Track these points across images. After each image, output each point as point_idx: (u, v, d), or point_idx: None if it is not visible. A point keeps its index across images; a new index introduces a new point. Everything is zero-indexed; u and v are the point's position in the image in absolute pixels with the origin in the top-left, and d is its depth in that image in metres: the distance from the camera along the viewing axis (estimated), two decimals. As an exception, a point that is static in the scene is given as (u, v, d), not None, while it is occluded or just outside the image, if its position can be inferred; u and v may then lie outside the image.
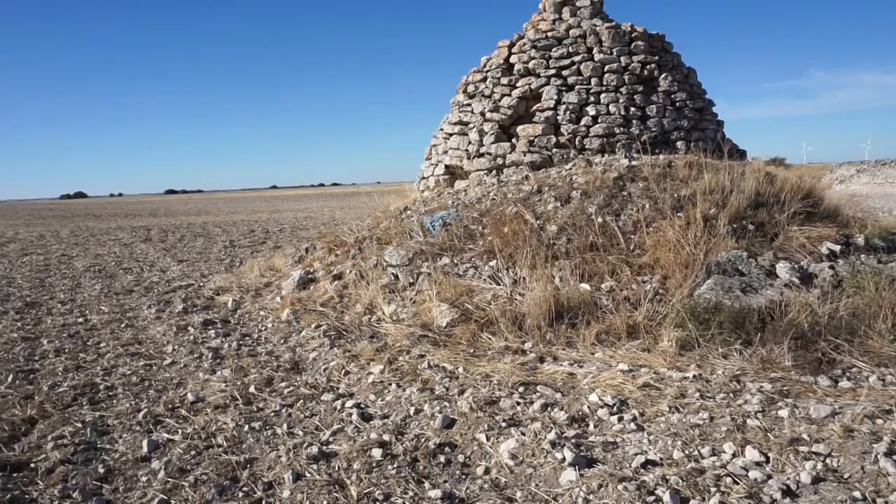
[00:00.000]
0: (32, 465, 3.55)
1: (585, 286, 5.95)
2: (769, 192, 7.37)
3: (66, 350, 6.01)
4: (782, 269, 5.95)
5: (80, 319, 7.37)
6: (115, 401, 4.59)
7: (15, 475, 3.43)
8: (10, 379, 5.11)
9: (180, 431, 3.94)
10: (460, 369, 4.77)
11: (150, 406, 4.41)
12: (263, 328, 6.59)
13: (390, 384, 4.57)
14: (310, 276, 7.82)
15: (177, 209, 48.22)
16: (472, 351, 5.21)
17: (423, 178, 9.73)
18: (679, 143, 8.38)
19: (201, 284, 9.49)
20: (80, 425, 4.10)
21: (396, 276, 6.86)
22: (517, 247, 6.52)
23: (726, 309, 5.15)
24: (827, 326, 4.87)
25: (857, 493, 2.83)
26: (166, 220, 30.31)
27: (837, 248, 6.64)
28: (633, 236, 6.63)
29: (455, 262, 6.80)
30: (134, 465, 3.54)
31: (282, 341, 6.01)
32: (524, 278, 6.01)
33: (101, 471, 3.46)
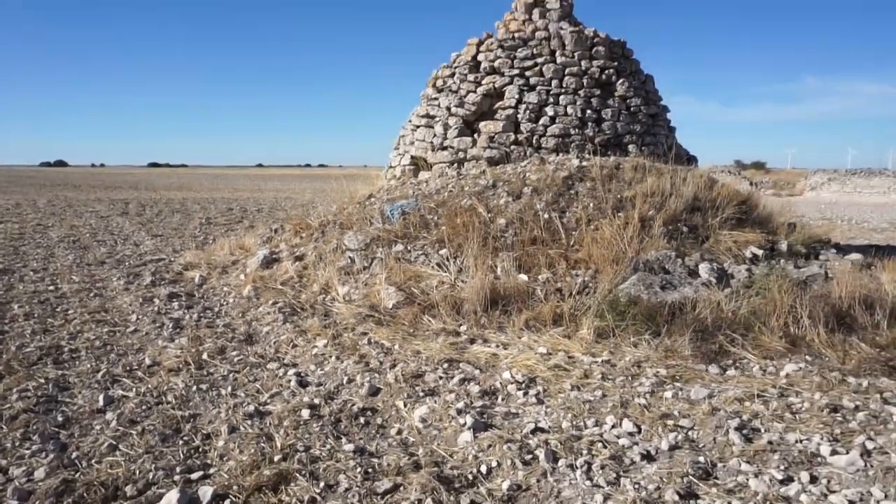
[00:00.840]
0: (-2, 412, 3.97)
1: (524, 276, 6.45)
2: (707, 197, 7.91)
3: (36, 315, 6.39)
4: (703, 269, 6.50)
5: (51, 287, 7.74)
6: (77, 362, 5.01)
7: (-19, 420, 3.85)
8: (-20, 338, 5.50)
9: (134, 389, 4.38)
10: (396, 346, 5.26)
11: (110, 367, 4.85)
12: (225, 303, 7.02)
13: (331, 356, 5.05)
14: (274, 255, 8.24)
15: (158, 183, 48.07)
16: (411, 331, 5.69)
17: (391, 167, 10.15)
18: (631, 147, 8.88)
19: (172, 259, 9.86)
20: (43, 381, 4.52)
21: (353, 260, 7.32)
22: (466, 237, 6.99)
23: (643, 303, 5.68)
24: (729, 322, 5.43)
25: (702, 458, 3.36)
26: (146, 195, 30.38)
27: (761, 252, 7.20)
28: (573, 233, 7.14)
29: (408, 248, 7.26)
30: (90, 416, 3.98)
31: (240, 315, 6.45)
32: (468, 267, 6.49)
33: (60, 419, 3.89)
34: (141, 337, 5.72)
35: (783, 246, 7.49)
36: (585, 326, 5.47)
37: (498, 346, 5.25)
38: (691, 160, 9.76)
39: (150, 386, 4.45)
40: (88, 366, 4.89)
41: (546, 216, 7.37)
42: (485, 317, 5.84)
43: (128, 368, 4.83)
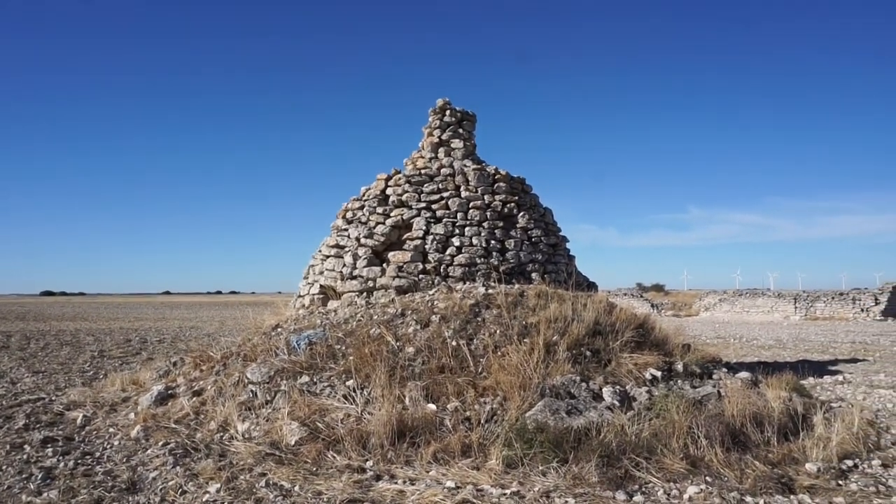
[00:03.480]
0: None
1: (432, 406, 6.36)
2: (607, 321, 8.30)
3: None
4: (607, 392, 6.67)
5: None
6: (-82, 525, 4.33)
7: None
8: None
9: (-16, 557, 3.81)
10: (297, 487, 4.93)
11: (-42, 530, 4.22)
12: (109, 446, 6.40)
13: (223, 503, 4.64)
14: (170, 391, 7.73)
15: (50, 313, 44.83)
16: (314, 469, 5.38)
17: (300, 296, 10.05)
18: (534, 275, 9.31)
19: (53, 399, 9.01)
20: None
21: (255, 394, 6.98)
22: (374, 367, 6.89)
23: (550, 429, 5.71)
24: (633, 445, 5.51)
25: None
26: (34, 325, 28.15)
27: (659, 373, 7.52)
28: (481, 359, 7.20)
29: (314, 380, 7.04)
30: None
31: (124, 460, 5.88)
32: (376, 398, 6.33)
33: None
34: (1, 492, 5.05)
35: (679, 367, 7.87)
36: (494, 457, 5.39)
37: (405, 482, 5.04)
38: (591, 286, 10.31)
39: (4, 551, 3.88)
40: (-69, 530, 4.24)
41: (454, 343, 7.43)
42: (391, 451, 5.63)
43: (-20, 531, 4.22)
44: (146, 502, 4.75)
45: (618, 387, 6.85)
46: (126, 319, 35.25)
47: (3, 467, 5.64)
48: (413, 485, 4.98)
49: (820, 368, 12.98)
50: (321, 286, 9.53)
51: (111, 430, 6.96)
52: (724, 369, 8.43)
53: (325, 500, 4.66)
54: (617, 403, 6.47)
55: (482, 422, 6.08)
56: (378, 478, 5.19)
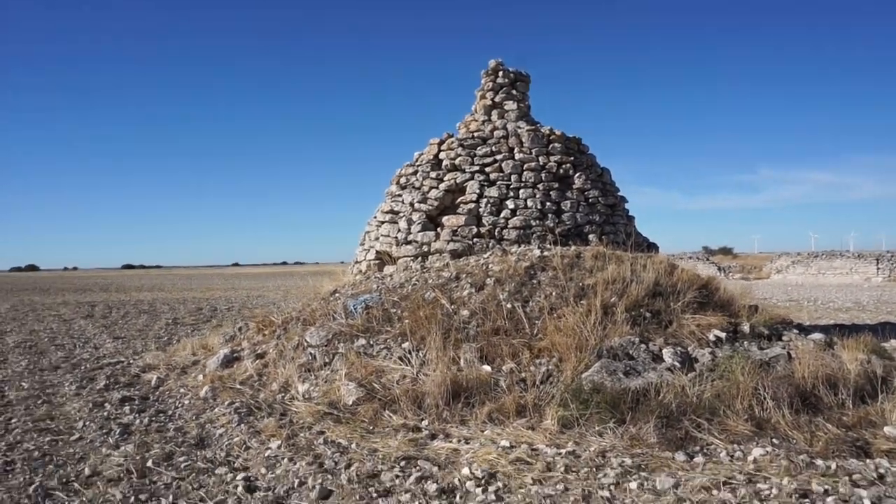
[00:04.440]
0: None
1: (487, 367, 6.35)
2: (668, 282, 8.01)
3: (-26, 425, 6.03)
4: (667, 353, 6.48)
5: (-3, 395, 7.37)
6: (10, 475, 4.68)
7: None
8: None
9: (67, 503, 4.08)
10: (353, 445, 5.04)
11: (44, 480, 4.53)
12: (180, 405, 6.73)
13: (283, 458, 4.81)
14: (235, 354, 8.03)
15: (130, 285, 47.44)
16: (371, 428, 5.49)
17: (357, 262, 10.19)
18: (591, 236, 9.08)
19: (131, 362, 9.54)
20: (-32, 498, 4.20)
21: (314, 356, 7.15)
22: (428, 329, 6.92)
23: (607, 390, 5.59)
24: (693, 406, 5.34)
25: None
26: (116, 296, 29.87)
27: (723, 335, 7.22)
28: (537, 321, 7.11)
29: (371, 343, 7.15)
30: (13, 534, 3.67)
31: (194, 417, 6.17)
32: (431, 360, 6.37)
33: (-21, 540, 3.58)
34: (84, 445, 5.40)
35: (745, 328, 7.54)
36: (549, 417, 5.34)
37: (459, 441, 5.07)
38: (651, 247, 9.98)
39: (84, 499, 4.15)
40: (21, 479, 4.57)
41: (509, 306, 7.37)
42: (447, 410, 5.67)
43: (64, 480, 4.52)
44: (213, 457, 4.97)
45: (679, 348, 6.63)
46: (198, 290, 36.88)
47: (87, 423, 6.03)
48: (467, 444, 5.00)
49: (902, 330, 12.20)
50: (377, 252, 9.62)
51: (182, 390, 7.32)
52: (795, 331, 8.02)
53: (380, 457, 4.74)
54: (678, 365, 6.27)
55: (537, 383, 6.02)
56: (433, 436, 5.24)
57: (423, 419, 5.60)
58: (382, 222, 9.79)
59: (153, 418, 6.20)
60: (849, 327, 12.11)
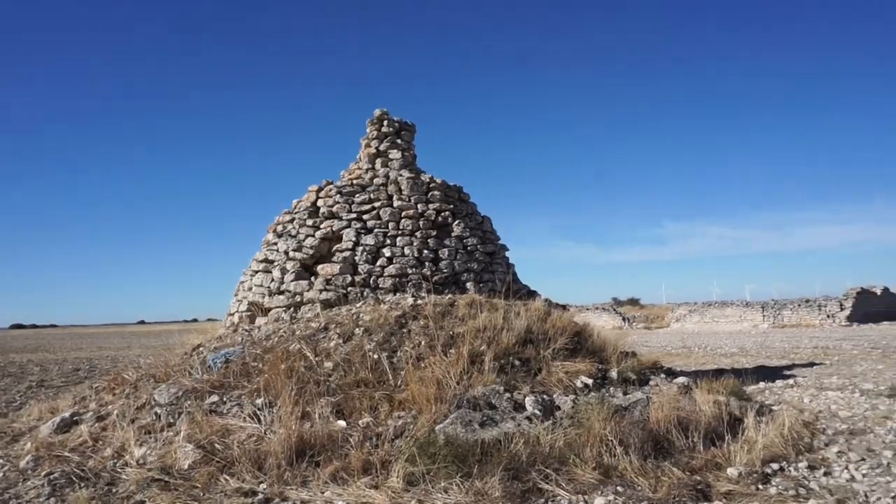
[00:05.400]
0: None
1: (342, 423, 5.99)
2: (540, 329, 8.01)
3: None
4: (529, 402, 6.36)
5: None
6: None
7: None
8: None
9: None
10: (171, 516, 4.52)
11: None
12: (-6, 478, 5.92)
13: (82, 536, 4.22)
14: (75, 417, 7.25)
15: (12, 346, 43.43)
16: (202, 494, 4.97)
17: (230, 314, 9.64)
18: (469, 284, 9.02)
19: (-39, 431, 8.44)
20: None
21: (159, 416, 6.55)
22: (284, 384, 6.51)
23: (459, 442, 5.36)
24: (545, 456, 5.19)
25: None
26: (-14, 358, 27.10)
27: (591, 381, 7.23)
28: (402, 372, 6.86)
29: (224, 399, 6.64)
30: None
31: (0, 493, 5.41)
32: (283, 416, 5.95)
33: None
34: None
35: (614, 374, 7.60)
36: (395, 474, 5.03)
37: (293, 505, 4.66)
38: (531, 294, 10.03)
39: None
40: None
41: (375, 356, 7.09)
42: (289, 471, 5.24)
43: None
44: (1, 538, 4.31)
45: (544, 396, 6.54)
46: (89, 349, 34.25)
47: None
48: (301, 507, 4.60)
49: (775, 373, 12.82)
50: (249, 303, 9.15)
51: (0, 461, 6.47)
52: (663, 375, 8.17)
53: (195, 527, 4.26)
54: (538, 413, 6.15)
55: (391, 437, 5.72)
56: (268, 501, 4.81)
57: (262, 482, 5.14)
58: (256, 272, 9.36)
59: (-47, 495, 5.39)
60: (728, 371, 12.60)
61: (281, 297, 8.73)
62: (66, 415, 7.32)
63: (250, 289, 9.31)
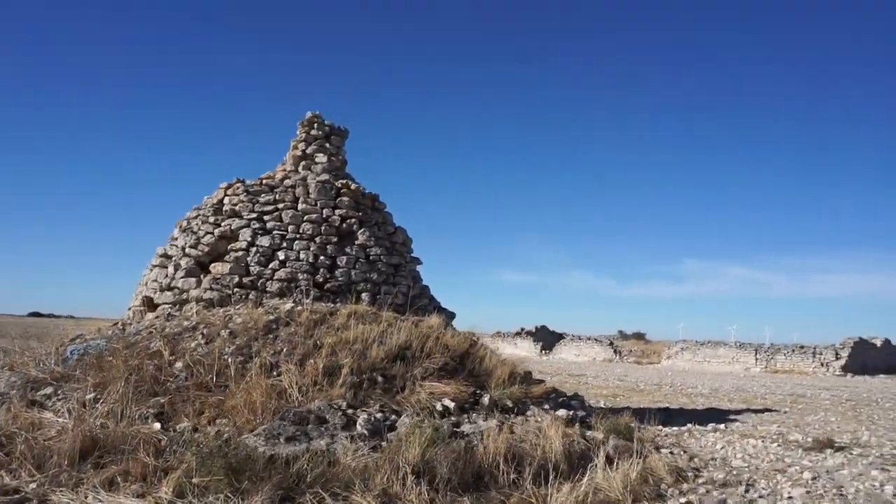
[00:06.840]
0: None
1: (157, 425, 5.70)
2: (419, 347, 7.64)
3: None
4: (361, 420, 6.00)
5: None
6: None
7: None
8: None
9: None
10: None
11: None
12: None
13: None
14: (-78, 399, 7.05)
15: None
16: (-38, 490, 4.70)
17: (130, 307, 9.44)
18: (365, 294, 8.71)
19: None
20: None
21: (-16, 405, 6.31)
22: (116, 381, 6.24)
23: (258, 456, 5.02)
24: (332, 479, 4.83)
25: None
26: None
27: (452, 405, 6.84)
28: (246, 380, 6.54)
29: (57, 392, 6.40)
30: None
31: None
32: (81, 414, 5.67)
33: None
34: None
35: (486, 400, 7.20)
36: (168, 484, 4.70)
37: (45, 508, 4.35)
38: (442, 312, 9.66)
39: None
40: None
41: (229, 360, 6.80)
42: (68, 472, 4.95)
43: None
44: None
45: (381, 415, 6.18)
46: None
47: None
48: (50, 511, 4.30)
49: (718, 416, 12.24)
50: (143, 298, 8.95)
51: None
52: (547, 405, 7.73)
53: None
54: (366, 433, 5.79)
55: (199, 444, 5.39)
56: (25, 501, 4.51)
57: (33, 481, 4.85)
58: (154, 266, 9.18)
59: None
60: (664, 411, 12.04)
61: (169, 293, 8.52)
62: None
63: (146, 283, 9.12)
